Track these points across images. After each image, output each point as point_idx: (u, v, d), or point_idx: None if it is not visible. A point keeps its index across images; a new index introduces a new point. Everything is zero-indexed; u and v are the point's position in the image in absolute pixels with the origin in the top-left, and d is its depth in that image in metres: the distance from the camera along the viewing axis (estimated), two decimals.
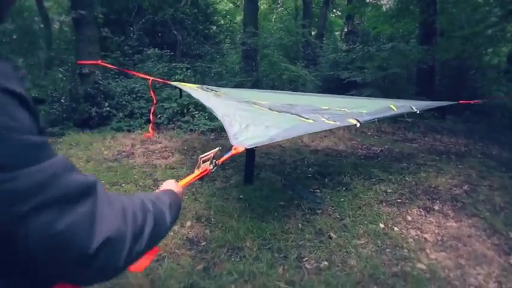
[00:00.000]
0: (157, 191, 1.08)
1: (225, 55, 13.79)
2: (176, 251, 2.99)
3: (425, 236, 3.41)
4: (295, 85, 12.14)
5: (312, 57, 15.50)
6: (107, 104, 8.09)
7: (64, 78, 8.91)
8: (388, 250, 3.12)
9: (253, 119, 3.39)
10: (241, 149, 2.22)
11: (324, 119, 3.48)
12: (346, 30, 16.47)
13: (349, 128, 7.86)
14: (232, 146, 2.29)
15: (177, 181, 1.22)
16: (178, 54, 11.86)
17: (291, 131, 2.97)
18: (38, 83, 10.00)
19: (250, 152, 3.22)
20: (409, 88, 10.48)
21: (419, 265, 2.93)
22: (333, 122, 3.40)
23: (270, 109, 4.13)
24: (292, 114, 3.85)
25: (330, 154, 6.03)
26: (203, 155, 1.60)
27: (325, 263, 2.90)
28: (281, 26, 18.18)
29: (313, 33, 18.62)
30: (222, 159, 1.90)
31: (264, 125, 3.07)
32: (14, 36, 13.43)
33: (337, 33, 20.41)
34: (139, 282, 2.58)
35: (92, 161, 5.17)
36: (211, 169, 1.59)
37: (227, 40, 15.85)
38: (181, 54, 12.02)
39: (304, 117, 3.64)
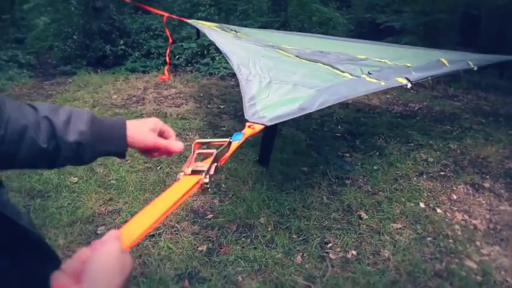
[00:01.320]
0: None
1: None
2: (176, 225, 2.54)
3: (475, 222, 2.84)
4: (325, 28, 11.15)
5: None
6: (122, 41, 7.52)
7: (77, 12, 8.26)
8: (429, 239, 2.59)
9: (277, 71, 2.75)
10: (258, 127, 1.53)
11: (364, 75, 2.81)
12: None
13: None
14: (246, 122, 1.54)
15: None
16: None
17: (326, 95, 2.27)
18: (57, 17, 9.38)
19: (269, 127, 2.26)
20: (452, 37, 9.38)
21: (468, 262, 2.40)
22: (376, 81, 2.72)
23: (298, 56, 3.46)
24: (325, 64, 3.19)
25: (362, 110, 5.36)
26: (187, 165, 0.80)
27: (354, 252, 2.40)
28: None
29: None
30: (228, 153, 0.94)
31: (291, 82, 2.44)
32: None
33: None
34: None
35: (98, 106, 4.71)
36: (207, 186, 0.77)
37: None
38: None
39: (339, 70, 2.98)
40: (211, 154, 0.82)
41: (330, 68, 3.06)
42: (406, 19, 9.05)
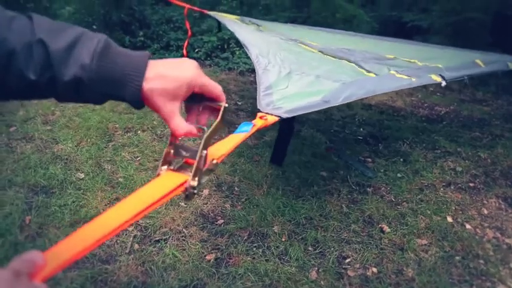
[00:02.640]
0: None
1: None
2: (184, 230, 2.38)
3: (508, 241, 2.60)
4: (349, 25, 10.83)
5: None
6: (141, 33, 7.41)
7: (97, 1, 8.19)
8: (458, 259, 2.36)
9: (299, 63, 2.55)
10: (272, 119, 1.30)
11: (393, 72, 2.58)
12: None
13: None
14: (258, 112, 1.32)
15: None
16: None
17: (353, 88, 2.05)
18: (80, 7, 9.35)
19: (286, 122, 1.90)
20: (483, 38, 8.96)
21: (501, 287, 2.18)
22: (407, 77, 2.48)
23: (321, 52, 3.26)
24: (350, 62, 2.98)
25: (386, 112, 5.10)
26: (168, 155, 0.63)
27: (374, 269, 2.20)
28: None
29: None
30: (230, 146, 0.75)
31: (314, 74, 2.24)
32: None
33: None
34: (131, 273, 2.01)
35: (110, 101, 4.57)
36: (193, 192, 0.58)
37: None
38: None
39: (364, 69, 2.77)
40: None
41: (355, 66, 2.85)
42: (434, 18, 8.69)
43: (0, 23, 0.51)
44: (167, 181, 0.59)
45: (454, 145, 4.02)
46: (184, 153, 0.62)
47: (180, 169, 0.61)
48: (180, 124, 0.59)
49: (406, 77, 2.51)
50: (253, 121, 1.07)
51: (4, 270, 0.33)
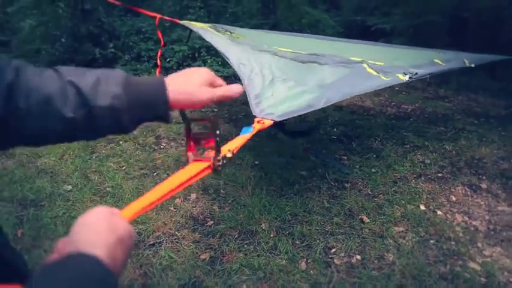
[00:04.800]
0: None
1: None
2: (177, 233, 2.48)
3: (475, 223, 2.84)
4: (314, 30, 11.16)
5: (334, 0, 14.25)
6: (111, 44, 7.41)
7: (65, 14, 8.12)
8: (432, 242, 2.57)
9: (278, 69, 2.70)
10: (268, 122, 1.47)
11: (365, 65, 2.79)
12: None
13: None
14: (255, 117, 1.52)
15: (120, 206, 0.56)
16: None
17: (331, 92, 2.23)
18: (43, 20, 9.20)
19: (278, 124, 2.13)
20: (442, 38, 9.47)
21: (471, 264, 2.39)
22: (376, 73, 2.68)
23: (294, 60, 3.44)
24: (321, 64, 3.16)
25: (356, 112, 5.36)
26: (190, 139, 0.74)
27: (358, 257, 2.38)
28: None
29: None
30: (241, 141, 0.98)
31: (293, 79, 2.40)
32: None
33: None
34: (130, 276, 2.09)
35: None
36: (219, 164, 0.72)
37: None
38: None
39: (335, 68, 2.95)
40: (208, 120, 0.71)
41: (326, 66, 3.02)
42: (396, 21, 9.10)
43: (33, 74, 0.60)
44: (195, 166, 0.72)
45: (422, 139, 4.29)
46: (202, 141, 0.75)
47: (199, 160, 0.74)
48: (230, 87, 0.70)
49: (375, 73, 2.71)
50: (253, 125, 1.24)
51: (103, 207, 0.46)
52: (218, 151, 0.71)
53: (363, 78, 2.65)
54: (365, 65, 2.85)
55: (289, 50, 3.79)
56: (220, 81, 0.71)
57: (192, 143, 0.74)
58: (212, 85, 0.69)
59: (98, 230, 0.44)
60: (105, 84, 0.62)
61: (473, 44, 9.42)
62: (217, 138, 0.71)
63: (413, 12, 8.73)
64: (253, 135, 1.12)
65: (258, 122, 1.38)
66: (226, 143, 0.85)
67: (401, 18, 8.95)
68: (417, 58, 3.89)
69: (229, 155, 0.76)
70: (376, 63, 3.53)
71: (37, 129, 0.60)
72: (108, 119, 0.62)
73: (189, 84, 0.66)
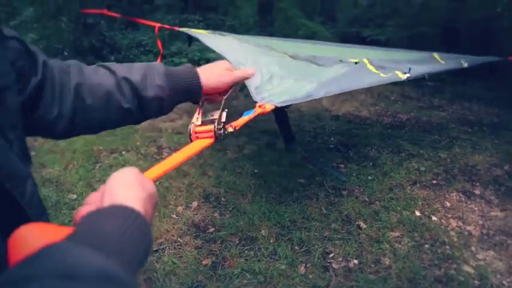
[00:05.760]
0: (87, 214, 0.45)
1: (240, 8, 12.87)
2: (179, 239, 2.55)
3: (469, 228, 2.93)
4: None
5: (329, 12, 14.49)
6: (113, 57, 7.56)
7: (67, 28, 8.26)
8: (427, 246, 2.66)
9: (277, 66, 2.75)
10: (268, 107, 1.49)
11: (365, 60, 2.85)
12: None
13: (370, 91, 7.24)
14: (256, 103, 1.52)
15: (144, 169, 0.64)
16: (191, 5, 11.03)
17: (330, 86, 2.29)
18: (45, 34, 9.35)
19: (279, 111, 2.11)
20: (435, 49, 9.65)
21: (465, 268, 2.47)
22: (376, 71, 2.74)
23: (292, 57, 3.50)
24: (320, 65, 3.22)
25: (353, 121, 5.47)
26: (197, 116, 0.84)
27: (355, 261, 2.45)
28: None
29: None
30: (242, 121, 1.02)
31: (293, 77, 2.46)
32: None
33: None
34: None
35: None
36: (220, 133, 0.81)
37: None
38: (193, 5, 11.18)
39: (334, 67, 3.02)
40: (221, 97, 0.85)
41: (325, 67, 3.08)
42: (390, 32, 9.28)
43: (91, 73, 0.72)
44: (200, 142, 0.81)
45: (417, 148, 4.39)
46: (209, 114, 0.85)
47: (202, 124, 0.83)
48: (246, 70, 0.91)
49: (375, 70, 2.78)
50: (254, 109, 1.29)
51: (131, 168, 0.52)
52: (220, 121, 0.81)
53: (363, 74, 2.71)
54: (365, 60, 2.90)
55: (287, 50, 3.86)
56: (236, 68, 0.89)
57: (199, 117, 0.84)
58: (231, 71, 0.87)
59: (132, 186, 0.48)
60: (151, 77, 0.76)
61: (465, 54, 9.60)
62: (223, 112, 0.82)
63: (407, 24, 8.92)
64: (254, 116, 1.19)
65: (260, 106, 1.41)
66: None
67: (395, 29, 9.14)
68: (417, 55, 3.99)
69: (230, 129, 0.86)
70: (375, 58, 3.58)
71: (101, 120, 0.72)
72: (154, 106, 0.76)
73: (215, 71, 0.84)
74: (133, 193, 0.47)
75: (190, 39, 5.72)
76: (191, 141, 0.82)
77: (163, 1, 9.85)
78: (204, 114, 0.85)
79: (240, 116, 1.10)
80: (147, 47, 7.99)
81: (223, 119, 0.82)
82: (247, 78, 0.90)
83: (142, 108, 0.76)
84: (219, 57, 3.53)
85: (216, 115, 0.82)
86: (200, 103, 0.86)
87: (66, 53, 7.44)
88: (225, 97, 0.85)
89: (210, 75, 0.82)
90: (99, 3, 7.35)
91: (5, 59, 0.55)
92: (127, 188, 0.48)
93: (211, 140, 0.81)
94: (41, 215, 0.55)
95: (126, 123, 0.78)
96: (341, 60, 3.51)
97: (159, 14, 9.39)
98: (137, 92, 0.74)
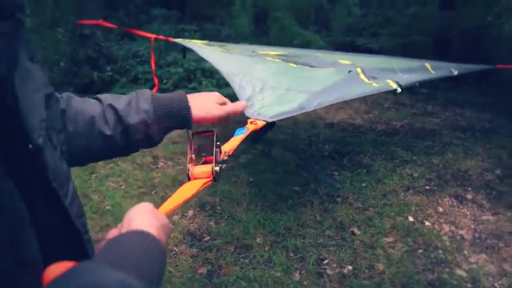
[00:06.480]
0: (111, 238, 0.51)
1: (235, 17, 13.00)
2: (175, 248, 2.58)
3: (461, 232, 2.97)
4: None
5: (324, 22, 14.66)
6: (109, 68, 7.60)
7: (64, 39, 8.32)
8: (420, 251, 2.69)
9: (269, 74, 2.75)
10: (261, 123, 1.46)
11: (358, 68, 2.88)
12: None
13: (364, 98, 7.30)
14: (248, 119, 1.49)
15: (157, 204, 0.67)
16: (187, 16, 11.13)
17: (322, 97, 2.31)
18: (42, 45, 9.42)
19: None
20: (428, 57, 9.78)
21: (458, 271, 2.51)
22: (368, 81, 2.78)
23: (284, 61, 3.51)
24: (312, 67, 3.24)
25: (347, 129, 5.52)
26: (190, 155, 0.84)
27: (349, 267, 2.49)
28: None
29: None
30: (235, 144, 1.04)
31: (284, 87, 2.48)
32: None
33: None
34: None
35: None
36: (218, 171, 0.82)
37: (237, 2, 14.96)
38: (190, 16, 11.29)
39: (328, 69, 3.05)
40: (211, 133, 0.83)
41: (319, 68, 3.11)
42: (383, 41, 9.41)
43: (79, 101, 0.74)
44: (198, 182, 0.84)
45: (410, 154, 4.45)
46: (203, 154, 0.87)
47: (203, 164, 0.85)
48: (237, 104, 0.88)
49: (367, 80, 2.81)
50: (246, 126, 1.30)
51: (147, 203, 0.58)
52: (216, 162, 0.82)
53: (356, 84, 2.73)
54: (359, 70, 2.93)
55: (281, 53, 3.90)
56: (228, 101, 0.87)
57: (193, 156, 0.87)
58: (222, 104, 0.85)
59: (147, 216, 0.54)
60: (136, 102, 0.74)
61: (457, 62, 9.74)
62: (217, 149, 0.83)
63: (400, 33, 9.04)
64: (246, 136, 1.18)
65: (251, 122, 1.41)
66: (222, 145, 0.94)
67: (388, 38, 9.26)
68: (409, 63, 4.06)
69: (225, 157, 0.87)
70: (368, 65, 3.60)
71: (83, 147, 0.71)
72: (140, 132, 0.74)
73: (205, 102, 0.82)
74: (148, 221, 0.53)
75: (185, 51, 5.79)
76: (189, 180, 0.82)
77: (160, 11, 9.91)
78: (195, 150, 0.85)
79: (233, 134, 1.13)
80: (143, 58, 8.04)
81: (219, 158, 0.82)
82: (237, 113, 0.88)
83: (127, 135, 0.74)
84: (214, 67, 3.57)
85: (209, 152, 0.83)
86: (190, 136, 0.83)
87: (62, 64, 7.49)
88: (215, 131, 0.83)
89: (200, 105, 0.80)
90: (95, 14, 7.41)
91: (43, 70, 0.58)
92: (143, 217, 0.54)
93: (210, 180, 0.82)
94: (80, 217, 0.60)
95: (112, 153, 0.77)
96: (335, 62, 3.54)
97: (156, 24, 9.46)
98: (121, 119, 0.73)
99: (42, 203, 0.51)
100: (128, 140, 0.75)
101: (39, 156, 0.51)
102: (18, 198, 0.45)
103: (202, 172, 0.82)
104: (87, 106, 0.73)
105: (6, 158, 0.43)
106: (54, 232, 0.54)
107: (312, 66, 3.23)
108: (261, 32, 11.11)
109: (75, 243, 0.58)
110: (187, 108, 0.78)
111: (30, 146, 0.49)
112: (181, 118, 0.78)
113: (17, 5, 0.47)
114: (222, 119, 0.84)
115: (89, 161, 0.77)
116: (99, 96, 0.76)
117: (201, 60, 7.39)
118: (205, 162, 0.86)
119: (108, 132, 0.72)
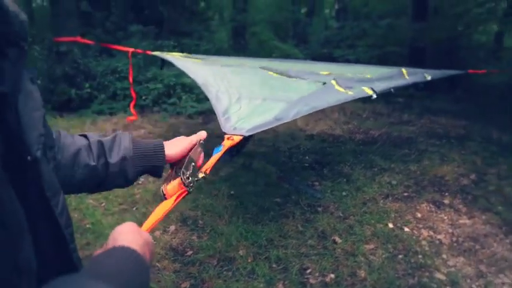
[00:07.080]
0: (99, 253, 0.56)
1: (214, 32, 13.11)
2: (157, 264, 2.56)
3: (439, 237, 3.04)
4: None
5: (302, 35, 14.94)
6: (87, 84, 7.53)
7: (40, 57, 8.23)
8: (400, 257, 2.74)
9: (245, 86, 2.75)
10: (237, 138, 1.48)
11: (333, 81, 2.95)
12: (336, 7, 15.93)
13: (343, 109, 7.45)
14: (225, 135, 1.50)
15: (139, 221, 0.79)
16: (165, 31, 11.16)
17: (299, 106, 2.33)
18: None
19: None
20: (402, 66, 10.08)
21: (437, 275, 2.56)
22: (343, 90, 2.85)
23: (263, 68, 3.56)
24: (291, 77, 3.30)
25: (327, 140, 5.61)
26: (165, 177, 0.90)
27: (332, 275, 2.51)
28: (271, 2, 17.44)
29: (303, 11, 17.94)
30: (212, 162, 1.08)
31: (260, 97, 2.50)
32: None
33: (327, 11, 19.73)
34: None
35: None
36: (189, 182, 0.86)
37: (216, 17, 15.12)
38: (167, 31, 11.32)
39: (305, 79, 3.11)
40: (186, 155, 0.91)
41: (296, 79, 3.17)
42: (359, 52, 9.65)
43: (66, 136, 0.80)
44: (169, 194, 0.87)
45: (388, 162, 4.55)
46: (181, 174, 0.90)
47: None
48: (198, 134, 0.97)
49: (343, 90, 2.87)
50: (222, 143, 1.33)
51: (130, 223, 0.62)
52: (185, 172, 0.87)
53: (331, 94, 2.80)
54: (333, 82, 3.00)
55: (260, 63, 3.95)
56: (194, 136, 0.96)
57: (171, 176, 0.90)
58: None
59: (130, 234, 0.59)
60: (119, 140, 0.84)
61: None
62: (191, 161, 0.89)
63: (375, 44, 9.30)
64: (224, 152, 1.23)
65: (228, 138, 1.44)
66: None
67: (364, 49, 9.50)
68: (387, 70, 4.18)
69: (201, 175, 0.92)
70: (345, 74, 3.68)
71: (68, 176, 0.76)
72: (117, 166, 0.81)
73: (175, 141, 0.92)
74: (132, 238, 0.58)
75: (163, 63, 5.80)
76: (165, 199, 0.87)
77: (138, 28, 9.91)
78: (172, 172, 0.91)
79: (211, 155, 1.16)
80: (122, 74, 7.99)
81: (190, 170, 0.88)
82: (202, 139, 0.96)
83: (107, 168, 0.81)
84: (194, 82, 3.59)
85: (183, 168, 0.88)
86: (170, 168, 0.92)
87: (39, 82, 7.38)
88: (190, 154, 0.90)
89: (171, 145, 0.90)
90: (72, 31, 7.36)
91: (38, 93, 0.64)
92: (127, 235, 0.59)
93: (184, 192, 0.87)
94: (68, 227, 0.64)
95: (93, 185, 0.82)
96: (312, 72, 3.61)
97: (134, 40, 9.43)
98: (105, 152, 0.81)
99: (36, 212, 0.55)
100: (107, 172, 0.81)
101: (37, 168, 0.56)
102: (18, 205, 0.48)
103: (174, 187, 0.85)
104: (75, 139, 0.81)
105: (7, 167, 0.47)
106: (45, 240, 0.58)
107: (289, 77, 3.30)
108: (240, 46, 11.23)
109: (62, 252, 0.62)
110: (162, 150, 0.88)
111: (29, 157, 0.54)
112: (156, 160, 0.87)
113: (21, 36, 0.53)
114: (191, 147, 0.92)
115: (73, 192, 0.82)
116: (86, 133, 0.85)
117: (180, 75, 7.42)
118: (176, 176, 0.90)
119: (92, 163, 0.79)
